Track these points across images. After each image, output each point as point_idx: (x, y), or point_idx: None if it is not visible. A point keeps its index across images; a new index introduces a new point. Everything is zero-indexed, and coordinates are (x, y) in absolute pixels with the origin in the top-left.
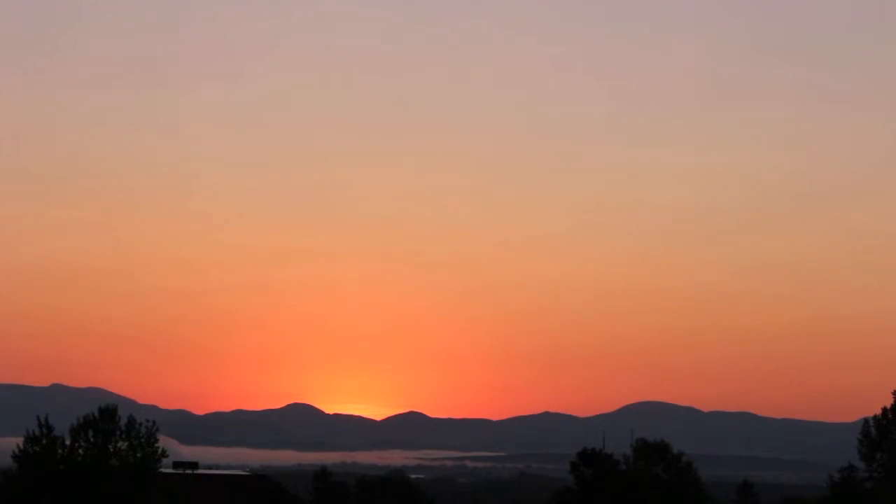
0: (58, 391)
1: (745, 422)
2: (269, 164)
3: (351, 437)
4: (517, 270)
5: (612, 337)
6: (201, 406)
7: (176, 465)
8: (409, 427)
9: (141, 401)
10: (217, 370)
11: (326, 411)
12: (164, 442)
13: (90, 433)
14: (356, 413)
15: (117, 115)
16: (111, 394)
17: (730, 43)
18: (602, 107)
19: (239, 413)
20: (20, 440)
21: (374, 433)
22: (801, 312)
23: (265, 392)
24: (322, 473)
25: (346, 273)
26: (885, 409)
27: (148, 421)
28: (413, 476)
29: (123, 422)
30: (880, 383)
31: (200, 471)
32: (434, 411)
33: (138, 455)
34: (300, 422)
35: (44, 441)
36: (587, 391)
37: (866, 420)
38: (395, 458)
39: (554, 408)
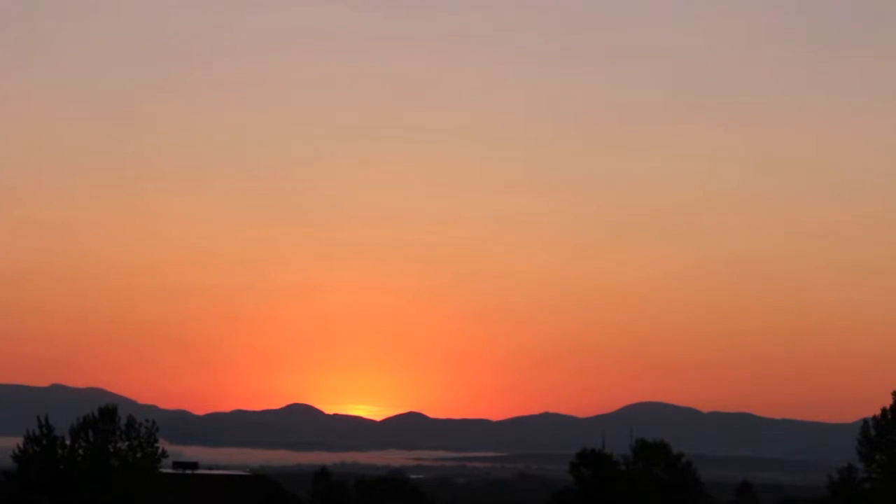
0: (58, 391)
1: (745, 422)
2: (267, 163)
3: (351, 437)
4: (518, 270)
5: (612, 336)
6: (201, 406)
7: (176, 465)
8: (409, 427)
9: (141, 401)
10: (217, 370)
11: (326, 411)
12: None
13: (90, 433)
14: (356, 413)
15: (117, 114)
16: (111, 394)
17: (718, 44)
18: (602, 105)
19: (239, 413)
20: (20, 440)
21: (374, 433)
22: (801, 313)
23: (265, 392)
24: (322, 474)
25: (346, 273)
26: (884, 410)
27: (148, 421)
28: (413, 476)
29: (123, 422)
30: (880, 384)
31: (200, 471)
32: (434, 412)
33: (138, 455)
34: (300, 422)
35: (44, 441)
36: (587, 391)
37: (866, 421)
38: (394, 458)
39: (554, 408)
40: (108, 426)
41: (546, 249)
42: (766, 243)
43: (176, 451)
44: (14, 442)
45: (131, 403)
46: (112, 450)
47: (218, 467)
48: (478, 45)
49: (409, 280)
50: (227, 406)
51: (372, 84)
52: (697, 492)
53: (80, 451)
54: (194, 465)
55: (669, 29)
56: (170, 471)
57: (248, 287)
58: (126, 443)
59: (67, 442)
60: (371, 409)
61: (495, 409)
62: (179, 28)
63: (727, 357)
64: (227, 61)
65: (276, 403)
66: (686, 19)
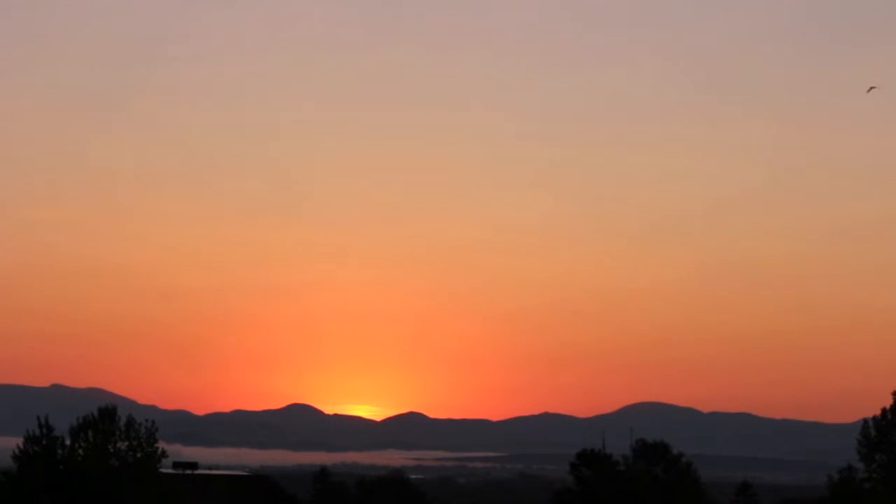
0: (58, 391)
1: (745, 422)
2: (268, 163)
3: (351, 437)
4: (517, 271)
5: (612, 337)
6: (201, 406)
7: (176, 465)
8: (409, 427)
9: (141, 401)
10: (217, 370)
11: (326, 412)
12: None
13: (90, 433)
14: (356, 413)
15: (115, 114)
16: (111, 394)
17: (709, 44)
18: (602, 105)
19: (239, 413)
20: (20, 440)
21: (374, 434)
22: (801, 313)
23: (265, 392)
24: (322, 474)
25: (347, 273)
26: (884, 410)
27: (147, 421)
28: (413, 476)
29: (123, 422)
30: (880, 384)
31: (200, 471)
32: (434, 412)
33: (138, 455)
34: (300, 422)
35: (44, 441)
36: (587, 391)
37: (865, 421)
38: (394, 458)
39: (554, 408)
40: (108, 426)
41: (547, 254)
42: (766, 247)
43: (176, 451)
44: (14, 442)
45: (131, 403)
46: (112, 450)
47: (218, 467)
48: (501, 45)
49: (410, 281)
50: (227, 406)
51: (375, 83)
52: (697, 492)
53: (80, 451)
54: (194, 465)
55: (693, 27)
56: (170, 471)
57: (249, 288)
58: (126, 443)
59: (67, 442)
60: (371, 409)
61: (495, 409)
62: (175, 28)
63: (727, 357)
64: (220, 61)
65: (276, 403)
66: (710, 17)
